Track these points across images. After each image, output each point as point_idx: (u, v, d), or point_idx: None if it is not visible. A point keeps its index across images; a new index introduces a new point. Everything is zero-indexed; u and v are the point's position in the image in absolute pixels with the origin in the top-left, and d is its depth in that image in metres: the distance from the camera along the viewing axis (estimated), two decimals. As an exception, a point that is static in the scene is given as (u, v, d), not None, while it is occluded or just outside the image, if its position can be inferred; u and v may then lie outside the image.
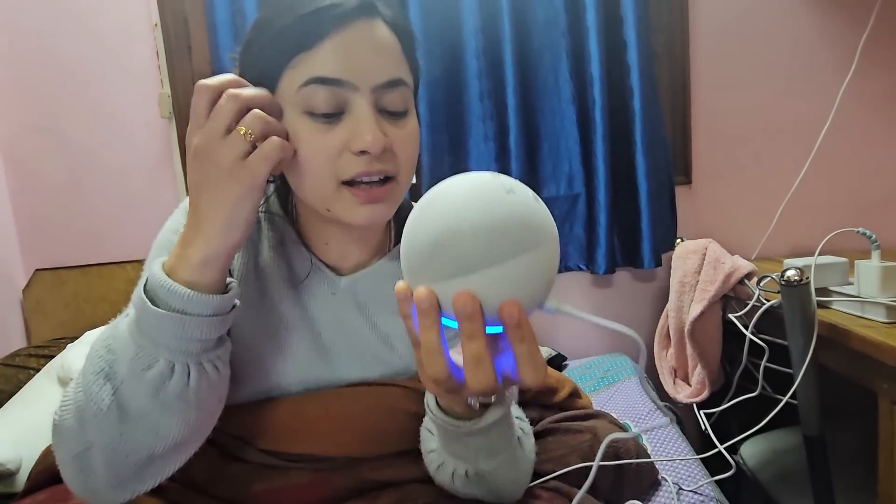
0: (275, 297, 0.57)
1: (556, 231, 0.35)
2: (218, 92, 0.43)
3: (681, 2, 1.36)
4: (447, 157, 1.34)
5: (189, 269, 0.43)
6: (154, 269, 0.44)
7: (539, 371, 0.34)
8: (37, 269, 1.42)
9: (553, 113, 1.34)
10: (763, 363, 0.88)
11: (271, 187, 0.61)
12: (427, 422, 0.55)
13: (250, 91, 0.44)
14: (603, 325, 0.35)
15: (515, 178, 0.36)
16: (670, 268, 1.25)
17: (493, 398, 0.45)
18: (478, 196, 0.33)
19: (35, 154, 1.41)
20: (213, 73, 1.27)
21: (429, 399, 0.47)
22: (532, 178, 1.35)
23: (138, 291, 0.44)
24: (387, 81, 0.48)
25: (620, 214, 1.33)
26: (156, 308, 0.43)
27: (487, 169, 1.33)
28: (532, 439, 0.56)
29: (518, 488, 0.54)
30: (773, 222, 1.36)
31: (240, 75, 0.49)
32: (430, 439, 0.53)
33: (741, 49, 1.37)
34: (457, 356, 0.36)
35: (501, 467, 0.49)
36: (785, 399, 0.82)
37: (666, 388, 1.22)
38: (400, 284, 0.36)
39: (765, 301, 0.86)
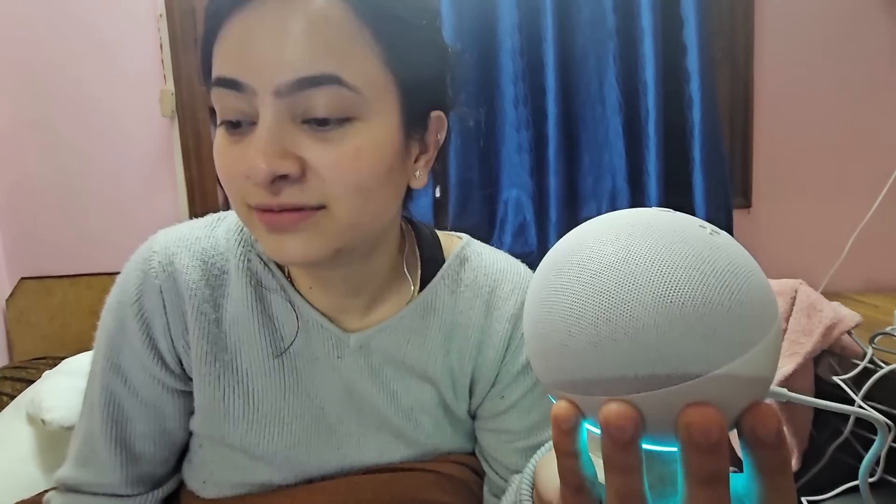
0: (252, 370, 0.45)
1: None
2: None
3: (745, 1, 1.22)
4: (476, 171, 1.20)
5: None
6: None
7: None
8: (22, 278, 1.32)
9: (596, 123, 1.20)
10: (888, 444, 0.72)
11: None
12: None
13: None
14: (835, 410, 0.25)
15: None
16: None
17: None
18: (682, 252, 0.20)
19: (24, 151, 1.31)
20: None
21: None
22: (570, 195, 1.20)
23: None
24: (296, 80, 0.33)
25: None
26: None
27: (521, 183, 1.23)
28: None
29: None
30: (844, 253, 1.20)
31: None
32: None
33: (812, 56, 1.24)
34: None
35: None
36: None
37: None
38: (560, 406, 0.22)
39: (883, 364, 0.70)
